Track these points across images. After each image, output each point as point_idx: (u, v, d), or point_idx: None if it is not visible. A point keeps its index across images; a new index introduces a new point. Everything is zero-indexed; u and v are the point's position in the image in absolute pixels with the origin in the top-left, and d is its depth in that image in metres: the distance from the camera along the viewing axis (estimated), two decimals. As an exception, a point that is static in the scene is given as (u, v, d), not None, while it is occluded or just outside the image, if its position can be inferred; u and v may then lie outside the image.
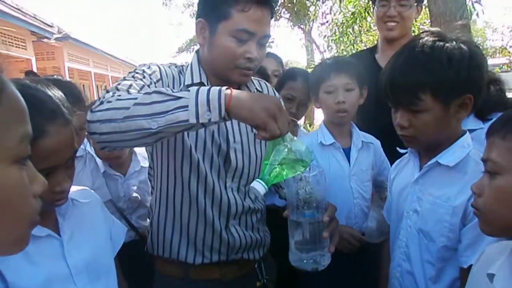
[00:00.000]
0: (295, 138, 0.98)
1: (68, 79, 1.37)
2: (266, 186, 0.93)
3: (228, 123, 1.20)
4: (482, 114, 1.39)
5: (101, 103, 0.95)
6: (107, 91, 1.02)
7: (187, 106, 0.89)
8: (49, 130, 0.80)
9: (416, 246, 1.14)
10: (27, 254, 0.85)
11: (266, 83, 1.40)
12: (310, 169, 1.00)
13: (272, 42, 14.46)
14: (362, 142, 1.65)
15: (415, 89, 1.03)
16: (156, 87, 1.12)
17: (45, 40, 8.50)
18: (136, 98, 0.92)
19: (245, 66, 1.15)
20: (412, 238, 1.16)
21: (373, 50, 2.14)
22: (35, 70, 7.77)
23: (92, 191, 1.15)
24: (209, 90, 0.91)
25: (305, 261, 1.05)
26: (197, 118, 0.89)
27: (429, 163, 1.12)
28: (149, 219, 1.34)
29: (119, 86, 1.04)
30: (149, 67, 1.17)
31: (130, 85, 1.05)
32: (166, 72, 1.19)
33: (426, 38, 1.06)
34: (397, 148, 1.28)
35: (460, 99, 1.04)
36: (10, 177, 0.45)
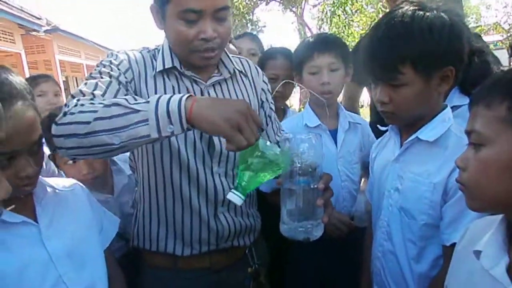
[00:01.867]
0: (267, 142, 0.94)
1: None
2: (242, 196, 0.90)
3: None
4: (466, 88, 1.36)
5: (64, 114, 0.90)
6: (72, 96, 0.98)
7: (147, 120, 0.85)
8: (7, 114, 0.78)
9: (397, 225, 1.13)
10: (2, 241, 0.84)
11: (249, 61, 1.34)
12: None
13: (264, 26, 14.32)
14: (349, 123, 1.61)
15: (395, 62, 1.00)
16: (126, 77, 1.08)
17: (34, 33, 8.37)
18: (96, 111, 0.87)
19: (203, 48, 1.06)
20: (393, 217, 1.15)
21: None
22: (25, 64, 7.69)
23: (78, 182, 1.13)
24: (169, 101, 0.85)
25: (297, 230, 1.00)
26: (159, 132, 0.85)
27: (409, 139, 1.10)
28: (134, 212, 1.31)
29: (83, 89, 0.99)
30: (116, 57, 1.11)
31: (96, 85, 1.00)
32: (136, 59, 1.14)
33: (405, 8, 1.03)
34: (378, 126, 1.25)
35: (442, 71, 1.02)
36: None
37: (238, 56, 1.36)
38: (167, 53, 1.15)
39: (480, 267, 0.73)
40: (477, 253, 0.75)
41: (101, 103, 0.90)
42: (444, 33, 0.99)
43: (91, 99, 0.95)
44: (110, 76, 1.05)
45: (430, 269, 1.08)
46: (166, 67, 1.13)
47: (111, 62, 1.09)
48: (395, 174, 1.15)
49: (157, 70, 1.13)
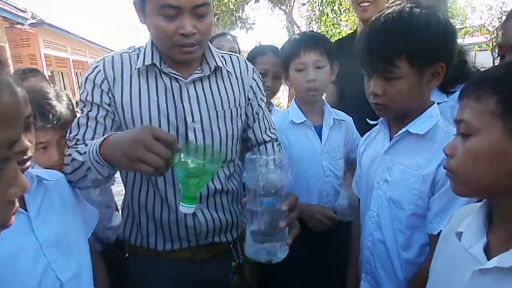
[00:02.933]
0: (183, 156, 0.92)
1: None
2: (191, 205, 0.92)
3: (186, 101, 1.16)
4: (445, 87, 1.40)
5: (65, 165, 1.13)
6: (69, 139, 1.16)
7: (90, 168, 1.02)
8: None
9: (387, 215, 1.17)
10: None
11: (240, 57, 1.33)
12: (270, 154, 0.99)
13: (254, 24, 14.31)
14: (334, 120, 1.64)
15: (392, 55, 1.04)
16: (104, 94, 1.14)
17: (19, 26, 8.24)
18: (69, 165, 1.10)
19: (182, 43, 1.07)
20: (382, 208, 1.18)
21: (354, 34, 2.12)
22: (9, 57, 7.55)
23: (62, 175, 1.14)
24: (94, 147, 0.99)
25: (260, 251, 0.99)
26: (101, 174, 1.02)
27: (399, 132, 1.14)
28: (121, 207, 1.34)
29: (70, 136, 1.15)
30: (92, 71, 1.15)
31: (78, 126, 1.15)
32: (113, 64, 1.15)
33: (403, 5, 1.07)
34: (367, 120, 1.28)
35: (434, 67, 1.06)
36: None
37: (229, 52, 1.35)
38: (149, 49, 1.16)
39: (461, 247, 0.78)
40: (459, 234, 0.80)
41: (70, 155, 1.09)
42: (439, 30, 1.03)
43: (75, 143, 1.13)
44: (91, 105, 1.14)
45: (417, 256, 1.13)
46: (145, 64, 1.14)
47: (91, 82, 1.15)
48: (385, 166, 1.18)
49: (136, 67, 1.15)
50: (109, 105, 1.15)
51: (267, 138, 1.35)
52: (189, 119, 1.16)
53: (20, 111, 0.48)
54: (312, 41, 1.59)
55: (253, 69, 1.33)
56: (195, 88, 1.18)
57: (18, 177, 0.50)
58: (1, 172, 0.47)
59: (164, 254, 1.24)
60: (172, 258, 1.24)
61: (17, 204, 0.50)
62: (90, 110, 1.15)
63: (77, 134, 1.14)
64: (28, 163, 0.92)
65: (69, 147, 1.13)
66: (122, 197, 1.31)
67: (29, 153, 0.91)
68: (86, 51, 13.60)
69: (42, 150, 1.26)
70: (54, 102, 1.29)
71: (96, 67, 1.16)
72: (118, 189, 1.73)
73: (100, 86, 1.14)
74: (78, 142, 1.12)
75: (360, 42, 1.12)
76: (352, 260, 1.38)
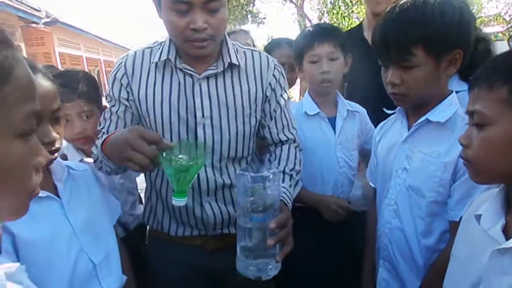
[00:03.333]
0: (165, 154, 0.97)
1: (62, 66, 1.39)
2: (182, 197, 0.96)
3: (197, 96, 1.18)
4: (466, 74, 1.39)
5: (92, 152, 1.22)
6: (98, 132, 1.25)
7: (101, 161, 1.14)
8: None
9: (405, 203, 1.18)
10: (31, 212, 0.90)
11: (262, 54, 1.30)
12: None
13: (264, 18, 14.26)
14: (348, 111, 1.64)
15: (408, 44, 1.04)
16: (124, 89, 1.21)
17: (33, 25, 8.37)
18: (92, 154, 1.20)
19: (193, 38, 1.08)
20: (401, 196, 1.19)
21: (360, 28, 2.10)
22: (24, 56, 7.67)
23: (86, 165, 1.21)
24: (99, 143, 1.11)
25: (249, 268, 0.98)
26: (109, 167, 1.14)
27: (419, 120, 1.14)
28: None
29: (99, 128, 1.26)
30: (118, 65, 1.23)
31: (104, 119, 1.24)
32: (134, 59, 1.21)
33: None
34: (384, 109, 1.29)
35: (451, 54, 1.06)
36: (12, 151, 0.48)
37: (252, 48, 1.33)
38: (167, 45, 1.19)
39: (481, 230, 0.79)
40: (478, 217, 0.82)
41: (96, 146, 1.18)
42: (454, 18, 1.03)
43: (101, 136, 1.20)
44: (116, 99, 1.22)
45: (437, 243, 1.14)
46: (161, 59, 1.17)
47: (114, 77, 1.22)
48: (403, 154, 1.19)
49: (153, 61, 1.19)
50: (127, 99, 1.20)
51: (283, 138, 1.31)
52: (199, 114, 1.18)
53: (34, 84, 0.52)
54: (325, 33, 1.59)
55: (275, 66, 1.30)
56: (208, 84, 1.19)
57: (41, 148, 0.54)
58: (28, 143, 0.51)
59: (176, 240, 1.29)
60: (184, 244, 1.29)
61: (41, 175, 0.54)
62: (113, 105, 1.22)
63: (102, 128, 1.22)
64: (56, 154, 0.97)
65: (98, 139, 1.21)
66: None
67: (57, 145, 0.96)
68: (99, 49, 13.74)
69: (65, 123, 1.31)
70: (75, 78, 1.39)
71: (120, 63, 1.22)
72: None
73: (120, 81, 1.20)
74: (103, 135, 1.18)
75: (375, 33, 1.13)
76: (368, 248, 1.39)
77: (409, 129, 1.19)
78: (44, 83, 0.94)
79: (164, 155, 0.95)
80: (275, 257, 0.98)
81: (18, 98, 0.48)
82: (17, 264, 0.54)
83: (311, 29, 1.68)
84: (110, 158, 1.07)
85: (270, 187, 0.95)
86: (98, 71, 13.50)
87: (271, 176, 0.95)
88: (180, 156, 0.95)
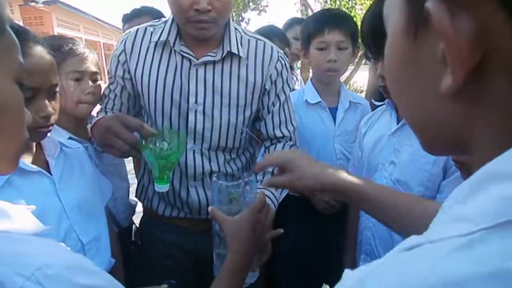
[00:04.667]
0: (144, 142, 1.00)
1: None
2: (164, 184, 1.01)
3: (192, 82, 1.17)
4: None
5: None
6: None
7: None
8: (31, 52, 0.88)
9: None
10: (19, 188, 0.90)
11: (266, 43, 1.26)
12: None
13: (267, 6, 14.12)
14: (350, 102, 1.60)
15: None
16: (122, 66, 1.22)
17: (33, 4, 8.26)
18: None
19: (196, 19, 1.07)
20: None
21: None
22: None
23: (78, 143, 1.18)
24: (90, 126, 1.14)
25: None
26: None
27: None
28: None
29: (101, 105, 1.28)
30: (112, 57, 1.25)
31: (107, 102, 1.27)
32: (134, 37, 1.21)
33: None
34: (373, 100, 1.27)
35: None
36: (15, 92, 0.50)
37: (259, 37, 1.28)
38: (168, 25, 1.18)
39: None
40: None
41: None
42: None
43: (106, 113, 1.25)
44: (115, 78, 1.23)
45: None
46: (160, 39, 1.16)
47: (111, 67, 1.25)
48: (391, 147, 1.18)
49: (151, 42, 1.18)
50: (123, 77, 1.21)
51: (279, 135, 1.27)
52: (192, 99, 1.17)
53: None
54: (337, 20, 1.52)
55: (279, 58, 1.24)
56: (205, 70, 1.17)
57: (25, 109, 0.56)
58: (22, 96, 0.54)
59: (166, 219, 1.31)
60: (174, 225, 1.31)
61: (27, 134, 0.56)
62: (112, 83, 1.25)
63: (102, 103, 1.27)
64: (48, 129, 0.96)
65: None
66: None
67: (52, 120, 0.95)
68: (99, 31, 13.60)
69: (75, 83, 1.25)
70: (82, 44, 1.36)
71: (121, 40, 1.23)
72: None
73: (118, 57, 1.21)
74: (103, 111, 1.24)
75: (364, 23, 1.09)
76: (349, 242, 1.39)
77: (398, 122, 1.17)
78: (43, 55, 0.92)
79: (144, 142, 0.98)
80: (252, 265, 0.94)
81: (13, 48, 0.51)
82: (34, 207, 0.59)
83: (323, 13, 1.61)
84: (97, 142, 1.12)
85: (247, 195, 0.94)
86: (97, 54, 13.37)
87: (244, 185, 0.93)
88: (161, 143, 0.98)
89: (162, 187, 1.01)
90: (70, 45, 1.24)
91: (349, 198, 0.80)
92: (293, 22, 2.52)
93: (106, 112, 1.26)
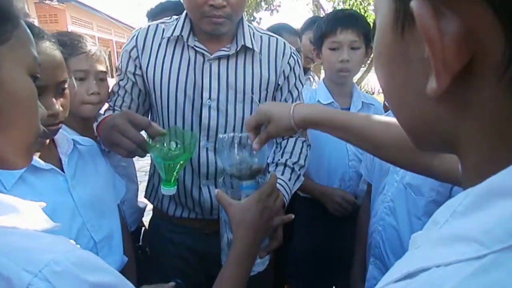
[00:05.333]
0: (151, 141, 0.97)
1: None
2: (170, 187, 0.96)
3: (206, 77, 1.16)
4: None
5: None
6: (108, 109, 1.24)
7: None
8: (38, 48, 0.86)
9: (402, 200, 1.15)
10: (32, 185, 0.90)
11: (279, 39, 1.26)
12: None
13: (279, 6, 14.09)
14: (362, 103, 1.60)
15: None
16: (133, 62, 1.20)
17: (47, 2, 8.35)
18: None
19: (211, 14, 1.07)
20: (398, 193, 1.17)
21: None
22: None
23: (92, 141, 1.17)
24: (96, 124, 1.09)
25: None
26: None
27: None
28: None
29: (110, 103, 1.24)
30: (131, 38, 1.21)
31: (116, 99, 1.23)
32: (146, 33, 1.19)
33: None
34: (385, 102, 1.25)
35: None
36: (29, 84, 0.51)
37: (271, 33, 1.28)
38: (182, 21, 1.18)
39: None
40: None
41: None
42: None
43: (114, 110, 1.20)
44: (126, 74, 1.21)
45: None
46: (173, 34, 1.16)
47: (125, 51, 1.21)
48: None
49: (163, 37, 1.17)
50: (134, 74, 1.19)
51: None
52: (205, 95, 1.16)
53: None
54: (351, 20, 1.51)
55: (291, 54, 1.25)
56: (218, 65, 1.17)
57: (39, 103, 0.57)
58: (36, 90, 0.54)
59: (176, 220, 1.30)
60: (184, 226, 1.29)
61: (41, 129, 0.56)
62: (122, 79, 1.22)
63: (110, 101, 1.24)
64: (57, 126, 0.95)
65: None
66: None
67: (60, 118, 0.94)
68: (111, 30, 13.72)
69: (79, 83, 1.24)
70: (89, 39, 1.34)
71: (133, 36, 1.21)
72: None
73: (129, 53, 1.19)
74: (111, 109, 1.20)
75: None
76: (359, 245, 1.38)
77: None
78: (50, 52, 0.89)
79: (151, 141, 0.95)
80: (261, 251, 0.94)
81: (28, 41, 0.52)
82: (44, 203, 0.60)
83: (336, 13, 1.61)
84: (102, 141, 1.08)
85: (256, 153, 0.92)
86: (109, 52, 13.49)
87: (246, 135, 0.93)
88: (169, 143, 0.95)
89: (168, 190, 0.96)
90: (76, 42, 1.21)
91: (324, 128, 0.84)
92: (312, 21, 2.36)
93: (114, 110, 1.22)
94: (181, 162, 0.95)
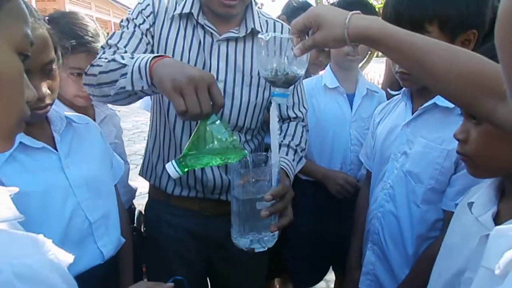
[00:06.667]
0: (223, 128, 0.88)
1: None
2: (180, 172, 0.86)
3: (214, 58, 1.14)
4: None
5: (91, 66, 1.05)
6: (102, 47, 1.12)
7: (126, 74, 0.93)
8: None
9: (402, 188, 1.16)
10: (22, 164, 0.88)
11: (284, 25, 1.27)
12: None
13: (279, -9, 13.92)
14: (367, 90, 1.63)
15: (423, 19, 0.98)
16: (148, 24, 1.14)
17: (45, -20, 8.20)
18: (101, 66, 1.01)
19: None
20: (398, 180, 1.17)
21: None
22: (34, 11, 7.54)
23: (88, 118, 1.14)
24: (144, 58, 0.91)
25: (243, 239, 0.95)
26: (132, 85, 0.92)
27: (425, 104, 1.10)
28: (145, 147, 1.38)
29: (109, 42, 1.11)
30: (143, 1, 1.17)
31: (120, 37, 1.10)
32: (161, 3, 1.17)
33: None
34: (388, 89, 1.23)
35: (465, 35, 1.00)
36: (14, 63, 0.48)
37: (276, 19, 1.28)
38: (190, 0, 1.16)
39: (473, 218, 0.78)
40: (470, 205, 0.80)
41: (107, 58, 1.01)
42: None
43: (114, 51, 1.07)
44: (134, 26, 1.13)
45: (429, 231, 1.12)
46: (183, 11, 1.14)
47: (138, 9, 1.16)
48: (404, 138, 1.16)
49: (175, 13, 1.15)
50: (147, 30, 1.15)
51: (292, 115, 1.28)
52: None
53: (26, 12, 0.52)
54: (359, 7, 1.48)
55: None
56: (227, 47, 1.16)
57: (29, 83, 0.53)
58: (23, 70, 0.51)
59: (174, 201, 1.27)
60: (182, 208, 1.27)
61: (28, 110, 0.52)
62: (128, 27, 1.14)
63: (118, 43, 1.10)
64: (45, 109, 0.91)
65: (104, 52, 1.09)
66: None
67: (48, 101, 0.90)
68: (110, 10, 13.54)
69: (75, 78, 1.23)
70: (93, 32, 1.30)
71: (148, 3, 1.16)
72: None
73: (147, 17, 1.15)
74: (117, 51, 1.08)
75: (387, 8, 1.05)
76: (357, 230, 1.38)
77: (413, 113, 1.15)
78: (35, 31, 0.83)
79: (213, 119, 0.87)
80: (268, 228, 0.94)
81: (19, 16, 0.49)
82: (17, 189, 0.55)
83: (343, 1, 1.59)
84: (157, 79, 0.89)
85: (295, 59, 0.84)
86: (107, 33, 13.34)
87: (288, 38, 0.85)
88: (224, 135, 0.87)
89: (175, 172, 0.87)
90: (79, 37, 1.19)
91: (380, 46, 0.75)
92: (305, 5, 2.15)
93: (117, 49, 1.09)
94: (206, 161, 0.88)
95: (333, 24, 0.76)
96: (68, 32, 1.19)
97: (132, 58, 0.95)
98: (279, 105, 1.25)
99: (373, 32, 0.73)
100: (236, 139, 0.89)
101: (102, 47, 1.12)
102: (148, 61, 0.89)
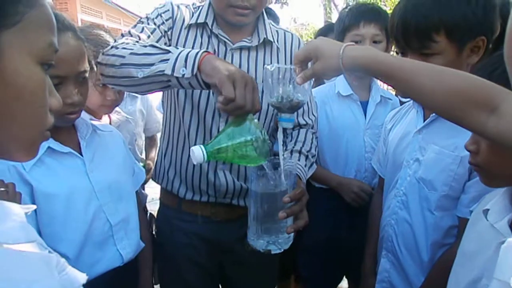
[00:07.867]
0: (260, 131, 0.90)
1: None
2: (205, 158, 0.86)
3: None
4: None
5: (111, 47, 1.04)
6: (122, 35, 1.12)
7: (168, 59, 0.95)
8: (60, 39, 0.85)
9: (415, 195, 1.15)
10: (50, 167, 0.92)
11: (294, 35, 1.30)
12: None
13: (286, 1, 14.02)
14: (381, 97, 1.61)
15: (430, 29, 0.98)
16: (166, 27, 1.17)
17: (58, -11, 8.35)
18: (132, 49, 1.00)
19: (236, 4, 1.09)
20: (411, 187, 1.16)
21: None
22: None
23: (114, 128, 1.22)
24: (193, 50, 0.94)
25: (259, 240, 0.96)
26: (173, 71, 0.93)
27: None
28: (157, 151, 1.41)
29: (132, 31, 1.12)
30: (163, 6, 1.20)
31: (142, 29, 1.13)
32: (179, 11, 1.20)
33: None
34: (399, 97, 1.24)
35: (474, 42, 1.00)
36: (35, 75, 0.47)
37: (285, 28, 1.33)
38: (205, 8, 1.19)
39: (488, 224, 0.77)
40: (485, 212, 0.80)
41: (141, 44, 1.03)
42: (480, 2, 0.97)
43: (137, 41, 1.07)
44: (155, 24, 1.15)
45: (444, 237, 1.12)
46: (198, 21, 1.17)
47: (158, 12, 1.19)
48: (417, 145, 1.16)
49: (190, 23, 1.18)
50: (165, 31, 1.17)
51: (302, 122, 1.30)
52: None
53: (54, 20, 0.51)
54: (374, 13, 1.53)
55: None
56: (240, 56, 1.19)
57: (54, 90, 0.52)
58: (46, 80, 0.50)
59: (185, 206, 1.28)
60: (194, 214, 1.29)
61: (53, 118, 0.52)
62: (147, 25, 1.16)
63: (140, 33, 1.12)
64: (76, 115, 0.97)
65: (126, 38, 1.10)
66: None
67: (80, 105, 0.96)
68: (121, 19, 13.71)
69: (100, 89, 1.29)
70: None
71: (167, 9, 1.19)
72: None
73: (166, 20, 1.17)
74: (139, 41, 1.09)
75: (393, 17, 1.06)
76: (371, 237, 1.38)
77: (424, 119, 1.15)
78: (72, 43, 0.92)
79: (252, 118, 0.91)
80: (285, 230, 0.96)
81: (43, 24, 0.48)
82: (34, 206, 0.57)
83: (358, 7, 1.62)
84: (210, 67, 0.90)
85: (298, 87, 0.92)
86: (118, 41, 13.49)
87: (291, 68, 0.92)
88: (262, 137, 0.89)
89: (200, 156, 0.85)
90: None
91: (371, 72, 0.80)
92: (327, 29, 2.26)
93: (139, 39, 1.10)
94: (232, 157, 0.89)
95: (329, 55, 0.82)
96: (96, 44, 1.24)
97: (174, 47, 1.00)
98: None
99: (365, 60, 0.79)
100: (267, 140, 0.91)
101: (122, 34, 1.13)
102: (199, 53, 0.93)
